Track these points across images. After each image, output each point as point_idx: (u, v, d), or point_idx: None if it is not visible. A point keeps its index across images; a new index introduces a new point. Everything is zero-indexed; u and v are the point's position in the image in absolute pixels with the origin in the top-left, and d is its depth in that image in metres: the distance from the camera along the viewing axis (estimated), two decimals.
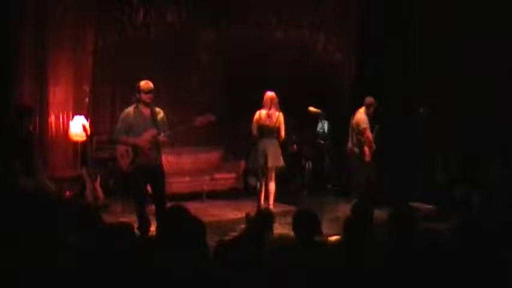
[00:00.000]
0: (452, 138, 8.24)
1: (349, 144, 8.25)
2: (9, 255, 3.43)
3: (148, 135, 6.15)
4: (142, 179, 6.27)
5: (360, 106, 8.19)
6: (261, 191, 7.54)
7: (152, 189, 6.40)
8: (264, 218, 4.34)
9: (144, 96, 6.16)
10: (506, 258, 3.76)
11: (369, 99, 8.10)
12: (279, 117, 7.37)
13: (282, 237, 4.51)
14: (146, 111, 6.21)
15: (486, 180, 7.30)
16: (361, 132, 8.00)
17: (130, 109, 6.24)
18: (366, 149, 8.00)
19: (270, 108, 7.39)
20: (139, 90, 6.17)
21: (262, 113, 7.41)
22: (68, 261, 3.48)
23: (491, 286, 3.63)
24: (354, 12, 9.88)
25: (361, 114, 8.09)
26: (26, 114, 6.63)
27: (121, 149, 6.23)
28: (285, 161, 7.52)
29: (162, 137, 6.17)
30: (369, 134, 7.98)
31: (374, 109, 8.14)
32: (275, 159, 7.43)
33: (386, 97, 8.58)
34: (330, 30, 9.95)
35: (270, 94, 7.44)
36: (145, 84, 6.17)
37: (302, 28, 9.82)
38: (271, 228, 4.33)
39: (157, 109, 6.28)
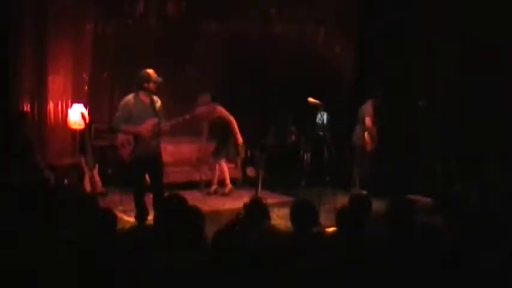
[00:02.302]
0: (452, 135, 8.25)
1: (355, 134, 8.54)
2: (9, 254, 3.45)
3: (149, 124, 6.15)
4: (141, 168, 6.28)
5: (368, 98, 8.52)
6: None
7: (150, 178, 6.40)
8: (257, 205, 4.33)
9: (152, 86, 6.16)
10: (504, 254, 3.78)
11: (376, 92, 8.47)
12: None
13: (280, 228, 4.50)
14: (146, 99, 6.20)
15: (485, 177, 7.32)
16: (363, 122, 8.38)
17: (130, 97, 6.22)
18: (368, 138, 8.37)
19: None
20: (148, 78, 6.14)
21: None
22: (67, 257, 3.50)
23: (488, 281, 3.65)
24: (355, 6, 9.85)
25: (367, 105, 8.47)
26: (23, 119, 6.79)
27: (122, 138, 6.22)
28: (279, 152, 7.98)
29: (164, 125, 6.18)
30: (369, 124, 8.35)
31: (378, 102, 8.48)
32: None
33: (386, 90, 8.60)
34: (330, 24, 9.91)
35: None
36: (154, 73, 6.17)
37: (302, 22, 9.79)
38: (268, 217, 4.33)
39: (155, 98, 6.28)
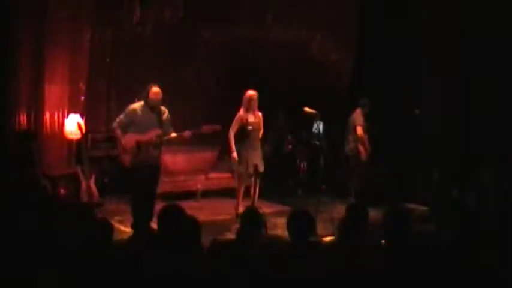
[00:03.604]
0: (450, 139, 8.26)
1: (347, 145, 8.53)
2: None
3: (152, 134, 6.23)
4: (141, 176, 6.31)
5: (356, 107, 8.48)
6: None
7: (146, 185, 6.43)
8: (253, 215, 4.32)
9: (150, 102, 6.27)
10: (502, 260, 3.78)
11: (363, 100, 8.42)
12: None
13: (276, 238, 4.49)
14: (153, 110, 6.31)
15: (482, 181, 7.32)
16: (355, 131, 8.35)
17: (137, 105, 6.34)
18: (361, 147, 8.35)
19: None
20: (147, 95, 6.27)
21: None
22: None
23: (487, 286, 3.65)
24: (352, 11, 9.88)
25: (356, 114, 8.45)
26: (28, 138, 6.82)
27: (124, 144, 6.28)
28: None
29: (169, 137, 6.30)
30: (361, 133, 8.34)
31: (369, 109, 8.44)
32: None
33: (383, 97, 8.63)
34: (326, 30, 9.94)
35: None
36: (155, 94, 6.24)
37: (298, 27, 9.82)
38: (265, 227, 4.32)
39: (163, 108, 6.38)
